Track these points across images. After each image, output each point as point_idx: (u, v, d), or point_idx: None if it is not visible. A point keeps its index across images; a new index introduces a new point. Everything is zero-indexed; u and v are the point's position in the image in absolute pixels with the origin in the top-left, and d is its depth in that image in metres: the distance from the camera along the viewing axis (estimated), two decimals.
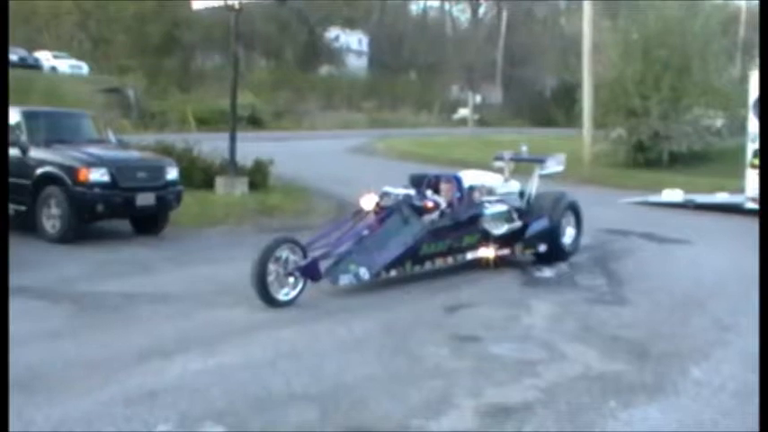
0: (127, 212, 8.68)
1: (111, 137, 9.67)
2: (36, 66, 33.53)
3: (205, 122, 28.48)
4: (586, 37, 19.10)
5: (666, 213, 12.35)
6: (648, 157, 19.47)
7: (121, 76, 32.89)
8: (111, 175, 8.26)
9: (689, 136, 19.23)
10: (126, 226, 9.08)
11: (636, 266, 7.86)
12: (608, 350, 4.94)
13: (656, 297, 6.53)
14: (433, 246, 6.82)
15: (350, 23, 50.86)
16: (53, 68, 34.50)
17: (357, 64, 50.97)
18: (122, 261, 7.44)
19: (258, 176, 12.71)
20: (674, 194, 13.38)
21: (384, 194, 6.89)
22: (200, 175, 12.08)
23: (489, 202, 7.51)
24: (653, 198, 13.41)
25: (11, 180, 8.10)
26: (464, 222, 7.14)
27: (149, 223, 8.96)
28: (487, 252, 7.27)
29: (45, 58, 34.98)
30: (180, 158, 11.06)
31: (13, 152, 8.40)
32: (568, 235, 8.10)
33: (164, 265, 7.36)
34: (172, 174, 8.91)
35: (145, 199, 8.49)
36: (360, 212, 6.85)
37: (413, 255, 6.66)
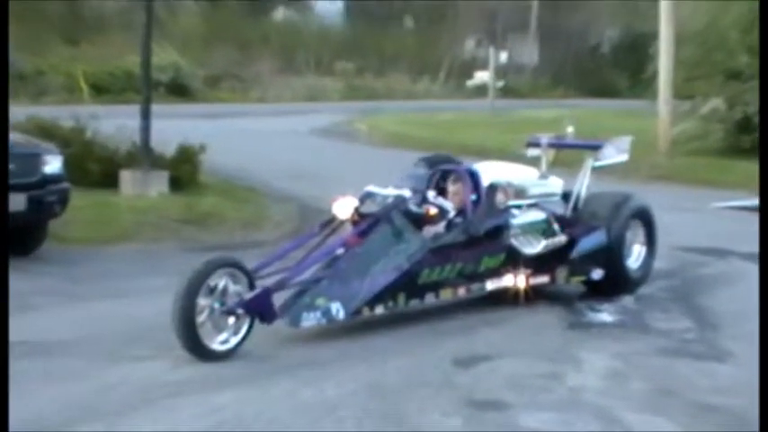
0: None
1: None
2: None
3: (104, 90, 28.38)
4: None
5: None
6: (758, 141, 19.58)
7: None
8: None
9: None
10: None
11: (737, 303, 7.89)
12: (697, 424, 5.01)
13: None
14: (438, 271, 6.89)
15: None
16: None
17: (329, 8, 51.09)
18: None
19: (184, 170, 12.74)
20: None
21: (367, 196, 6.95)
22: (97, 168, 12.11)
23: (519, 207, 7.59)
24: None
25: None
26: (482, 237, 7.21)
27: (18, 238, 8.91)
28: (516, 280, 7.34)
29: None
30: (66, 143, 11.07)
31: None
32: (635, 255, 8.19)
33: (46, 300, 7.36)
34: (53, 165, 8.91)
35: (11, 202, 8.48)
36: (332, 223, 6.91)
37: (408, 283, 6.72)
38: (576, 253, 7.67)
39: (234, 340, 5.90)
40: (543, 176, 8.11)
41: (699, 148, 19.53)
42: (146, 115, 12.16)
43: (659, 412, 5.16)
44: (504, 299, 7.33)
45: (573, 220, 7.93)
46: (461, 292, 7.14)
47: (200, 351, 5.73)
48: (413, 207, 6.98)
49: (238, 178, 14.25)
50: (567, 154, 8.70)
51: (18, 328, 6.44)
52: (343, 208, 6.79)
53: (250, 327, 5.97)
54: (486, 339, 6.54)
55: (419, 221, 6.94)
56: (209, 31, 39.72)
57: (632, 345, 6.57)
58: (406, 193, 7.02)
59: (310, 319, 6.25)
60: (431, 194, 7.24)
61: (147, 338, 6.07)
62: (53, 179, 8.89)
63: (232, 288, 5.96)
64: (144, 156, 12.19)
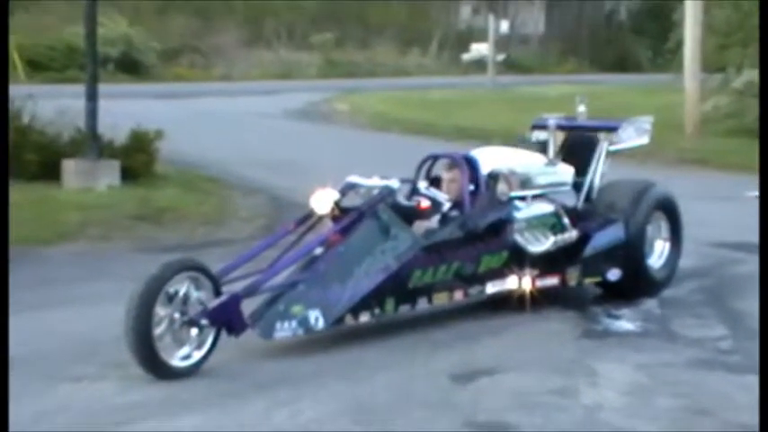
0: None
1: None
2: None
3: (43, 67, 28.30)
4: None
5: None
6: None
7: None
8: None
9: None
10: None
11: None
12: None
13: None
14: (431, 272, 6.87)
15: None
16: None
17: None
18: None
19: (138, 159, 12.71)
20: None
21: (349, 188, 6.95)
22: (35, 158, 12.09)
23: (523, 198, 7.59)
24: None
25: None
26: (482, 233, 7.20)
27: None
28: (521, 282, 7.34)
29: None
30: None
31: None
32: (658, 252, 8.19)
33: None
34: None
35: None
36: (309, 218, 6.90)
37: (397, 287, 6.71)
38: (589, 250, 7.66)
39: (197, 355, 5.88)
40: (551, 163, 8.09)
41: (732, 128, 19.46)
42: (92, 96, 12.10)
43: None
44: (508, 304, 7.32)
45: (586, 212, 7.92)
46: (458, 296, 7.12)
47: (157, 368, 5.69)
48: (402, 199, 6.98)
49: (200, 168, 14.22)
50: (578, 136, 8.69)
51: None
52: (322, 201, 6.76)
53: (215, 339, 5.94)
54: (487, 350, 6.53)
55: (409, 216, 6.93)
56: None
57: (657, 355, 6.54)
58: (394, 183, 7.00)
59: (285, 330, 6.22)
60: (422, 185, 7.22)
61: (95, 354, 6.03)
62: None
63: (194, 295, 5.93)
64: (90, 143, 12.14)
